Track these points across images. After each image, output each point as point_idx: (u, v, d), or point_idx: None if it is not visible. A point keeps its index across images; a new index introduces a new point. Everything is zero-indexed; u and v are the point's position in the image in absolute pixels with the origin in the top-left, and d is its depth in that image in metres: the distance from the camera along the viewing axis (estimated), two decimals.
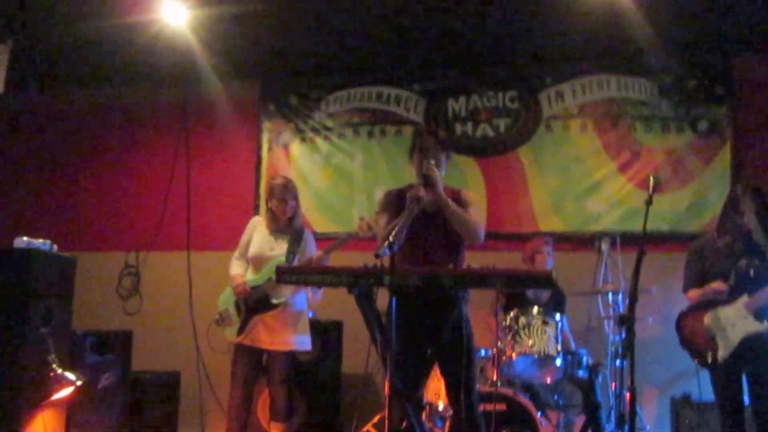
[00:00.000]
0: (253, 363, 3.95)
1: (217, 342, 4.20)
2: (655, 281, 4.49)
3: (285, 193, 3.95)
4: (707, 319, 3.36)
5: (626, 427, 3.79)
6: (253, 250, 3.99)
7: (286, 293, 3.87)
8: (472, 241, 3.03)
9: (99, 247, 5.75)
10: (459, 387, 3.01)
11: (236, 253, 4.10)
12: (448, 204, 2.94)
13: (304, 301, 4.04)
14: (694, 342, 3.42)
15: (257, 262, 3.97)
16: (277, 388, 3.98)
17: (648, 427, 4.35)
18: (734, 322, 3.28)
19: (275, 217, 4.00)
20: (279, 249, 3.96)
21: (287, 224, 4.01)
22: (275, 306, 3.86)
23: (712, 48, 4.90)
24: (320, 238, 5.36)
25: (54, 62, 5.44)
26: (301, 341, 3.99)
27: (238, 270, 4.02)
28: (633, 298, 2.64)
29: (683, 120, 4.94)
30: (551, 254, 4.52)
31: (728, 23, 4.59)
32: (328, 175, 5.48)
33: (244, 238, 4.08)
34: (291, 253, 3.92)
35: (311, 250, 4.04)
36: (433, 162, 2.96)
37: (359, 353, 4.68)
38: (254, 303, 3.89)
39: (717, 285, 3.33)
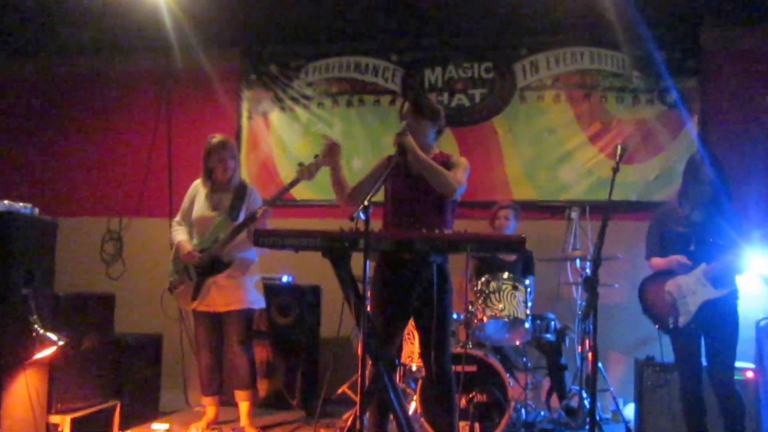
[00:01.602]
0: (214, 327, 3.88)
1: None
2: (623, 248, 4.56)
3: (224, 152, 3.83)
4: (668, 286, 3.42)
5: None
6: (195, 213, 3.87)
7: (235, 251, 3.78)
8: (444, 191, 3.07)
9: (82, 213, 5.73)
10: (433, 346, 3.07)
11: (177, 218, 3.97)
12: (419, 156, 3.01)
13: (254, 256, 3.92)
14: (656, 308, 3.48)
15: (201, 225, 3.85)
16: (236, 352, 3.85)
17: (612, 388, 4.46)
18: (694, 290, 3.34)
19: (214, 177, 3.87)
20: (221, 209, 3.83)
21: (227, 183, 3.88)
22: (227, 265, 3.77)
23: (682, 22, 4.92)
24: (300, 205, 5.42)
25: (35, 29, 5.32)
26: (255, 299, 3.89)
27: (182, 236, 3.87)
28: (597, 261, 2.69)
29: (653, 92, 4.98)
30: (512, 219, 4.53)
31: None
32: (307, 143, 5.45)
33: (185, 203, 3.96)
34: (234, 210, 3.80)
35: (258, 204, 3.89)
36: (406, 125, 3.05)
37: (337, 317, 4.75)
38: (205, 266, 3.78)
39: (682, 258, 3.38)
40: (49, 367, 3.47)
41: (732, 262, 3.30)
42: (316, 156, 3.69)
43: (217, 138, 3.89)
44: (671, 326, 3.41)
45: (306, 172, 3.67)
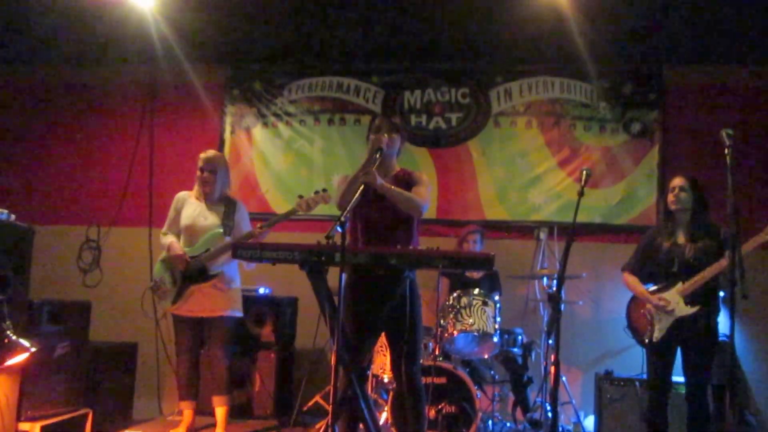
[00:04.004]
0: (195, 331, 3.85)
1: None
2: (587, 268, 4.60)
3: (206, 165, 3.86)
4: (648, 304, 3.44)
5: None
6: (185, 221, 3.85)
7: (221, 264, 3.78)
8: (413, 213, 3.09)
9: (61, 221, 5.57)
10: (404, 358, 3.03)
11: (164, 229, 3.96)
12: (387, 190, 3.02)
13: (236, 271, 3.92)
14: (636, 325, 3.51)
15: (190, 233, 3.84)
16: (216, 357, 3.81)
17: (574, 401, 4.46)
18: (669, 307, 3.36)
19: (202, 188, 3.89)
20: (212, 219, 3.83)
21: (209, 195, 3.89)
22: (212, 277, 3.76)
23: (646, 57, 5.03)
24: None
25: (20, 39, 5.20)
26: (234, 309, 3.87)
27: (173, 239, 3.86)
28: (561, 279, 2.69)
29: (618, 122, 5.06)
30: (478, 242, 4.57)
31: (661, 36, 4.72)
32: (289, 159, 5.41)
33: (171, 213, 3.96)
34: (227, 225, 3.81)
35: (245, 222, 3.93)
36: (385, 137, 3.07)
37: (313, 328, 4.68)
38: (191, 274, 3.76)
39: (663, 302, 3.37)
40: (21, 374, 3.35)
41: (706, 280, 3.30)
42: (317, 192, 3.67)
43: (208, 153, 3.95)
44: (647, 341, 3.43)
45: (304, 204, 3.65)
